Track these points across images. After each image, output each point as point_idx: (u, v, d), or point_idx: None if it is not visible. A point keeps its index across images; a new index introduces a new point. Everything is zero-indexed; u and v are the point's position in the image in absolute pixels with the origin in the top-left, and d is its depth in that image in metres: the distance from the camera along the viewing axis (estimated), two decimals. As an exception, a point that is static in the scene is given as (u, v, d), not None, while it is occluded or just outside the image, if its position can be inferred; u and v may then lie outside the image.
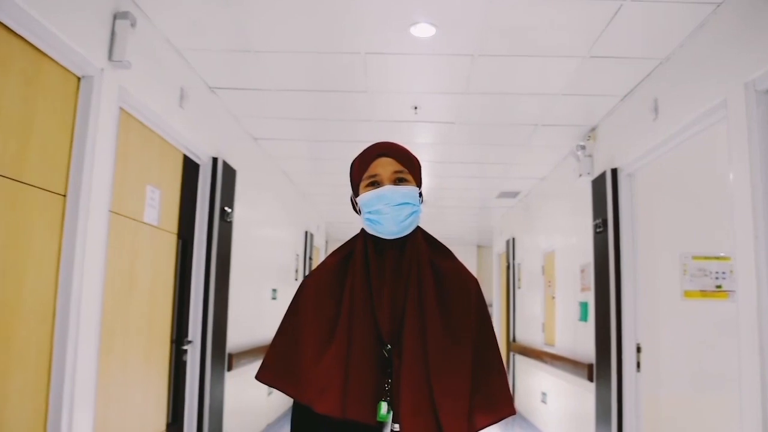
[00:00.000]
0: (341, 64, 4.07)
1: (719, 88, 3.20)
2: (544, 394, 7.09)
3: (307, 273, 9.17)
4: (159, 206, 3.97)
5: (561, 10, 3.30)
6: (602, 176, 4.87)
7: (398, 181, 1.65)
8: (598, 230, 4.94)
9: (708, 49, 3.39)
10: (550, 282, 7.06)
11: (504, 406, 1.61)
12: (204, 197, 4.66)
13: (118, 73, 3.17)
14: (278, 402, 7.61)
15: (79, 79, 2.98)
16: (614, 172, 4.72)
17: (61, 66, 2.84)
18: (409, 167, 1.67)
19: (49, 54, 2.73)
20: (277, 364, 1.62)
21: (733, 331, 3.09)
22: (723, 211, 3.30)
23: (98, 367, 3.08)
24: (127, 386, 3.60)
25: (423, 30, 3.52)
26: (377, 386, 1.54)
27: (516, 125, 5.29)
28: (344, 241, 1.74)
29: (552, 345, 6.78)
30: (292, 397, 1.60)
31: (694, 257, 4.52)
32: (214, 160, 4.72)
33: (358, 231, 1.70)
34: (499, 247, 10.73)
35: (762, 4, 2.86)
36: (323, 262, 1.72)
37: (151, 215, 3.85)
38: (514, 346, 8.89)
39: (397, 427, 1.51)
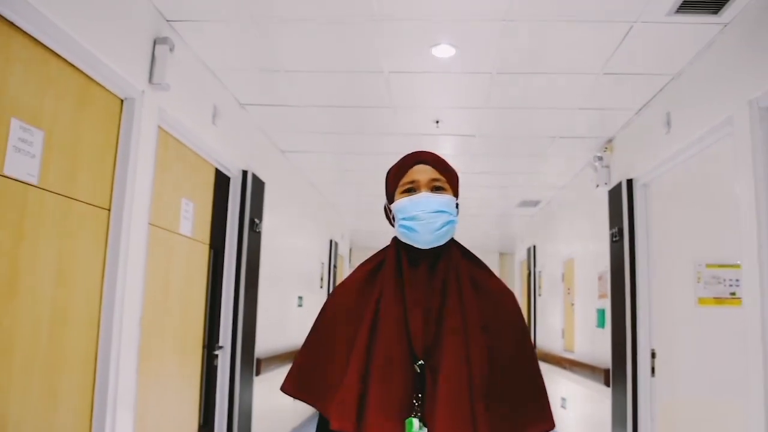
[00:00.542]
0: (366, 82, 4.28)
1: (725, 104, 3.34)
2: (563, 399, 7.20)
3: (331, 281, 9.38)
4: (193, 218, 4.20)
5: (574, 31, 3.47)
6: (618, 186, 5.01)
7: (435, 189, 1.61)
8: (614, 239, 5.07)
9: (715, 67, 3.53)
10: (569, 289, 7.19)
11: (543, 421, 1.57)
12: (234, 209, 4.88)
13: (157, 94, 3.39)
14: (303, 407, 7.80)
15: (122, 101, 3.21)
16: (630, 182, 4.86)
17: (107, 89, 3.07)
18: (447, 176, 1.64)
19: (96, 79, 2.96)
20: (302, 377, 1.60)
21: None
22: (735, 220, 3.43)
23: (138, 371, 3.30)
24: (162, 389, 3.81)
25: (444, 51, 3.72)
26: (404, 402, 1.48)
27: (535, 137, 5.46)
28: (370, 250, 1.71)
29: (571, 351, 6.90)
30: (315, 407, 1.57)
31: (708, 265, 4.65)
32: (244, 173, 4.94)
33: (383, 239, 1.68)
34: (521, 255, 10.86)
35: (765, 26, 3.00)
36: (351, 274, 1.69)
37: (185, 227, 4.07)
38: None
39: None
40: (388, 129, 5.28)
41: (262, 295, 5.39)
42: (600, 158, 5.45)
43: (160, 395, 3.78)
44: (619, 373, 4.88)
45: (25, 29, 2.45)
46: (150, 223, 3.42)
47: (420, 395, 1.49)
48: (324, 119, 5.17)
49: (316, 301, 8.36)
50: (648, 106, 4.53)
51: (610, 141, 5.42)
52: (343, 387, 1.50)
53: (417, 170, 1.62)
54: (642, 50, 3.65)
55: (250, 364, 5.04)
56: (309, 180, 7.52)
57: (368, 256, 1.71)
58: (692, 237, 4.29)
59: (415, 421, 1.46)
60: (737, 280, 4.00)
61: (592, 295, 5.98)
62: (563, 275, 7.49)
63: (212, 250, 4.62)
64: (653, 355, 4.60)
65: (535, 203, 8.47)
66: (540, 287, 8.96)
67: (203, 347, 4.50)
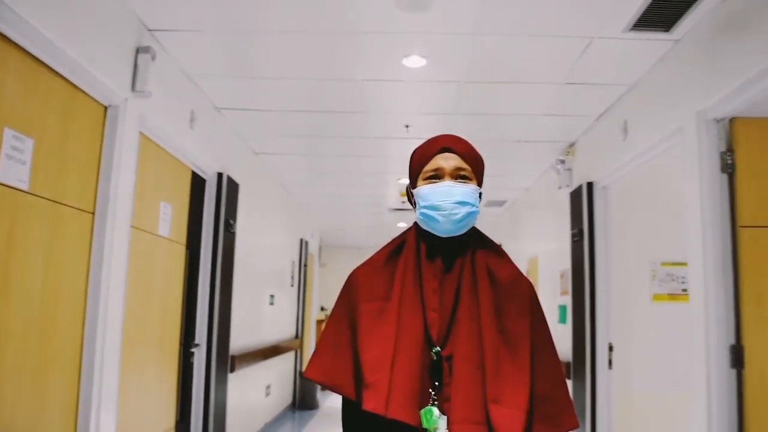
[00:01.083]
0: (339, 89, 4.45)
1: (676, 115, 3.59)
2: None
3: (302, 279, 9.53)
4: (171, 220, 4.32)
5: (538, 46, 3.68)
6: (579, 189, 5.26)
7: (460, 178, 1.59)
8: (575, 239, 5.32)
9: (668, 80, 3.78)
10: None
11: (567, 417, 1.56)
12: (210, 210, 5.00)
13: (139, 101, 3.52)
14: (276, 402, 7.96)
15: (106, 108, 3.33)
16: (590, 185, 5.11)
17: (91, 97, 3.19)
18: (472, 165, 1.62)
19: (82, 87, 3.08)
20: (325, 363, 1.60)
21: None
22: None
23: (121, 369, 3.43)
24: (142, 386, 3.94)
25: (414, 61, 3.91)
26: (422, 389, 1.48)
27: (501, 141, 5.68)
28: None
29: (535, 346, 7.15)
30: (340, 394, 1.57)
31: (663, 263, 4.94)
32: (219, 175, 5.07)
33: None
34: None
35: (712, 43, 3.25)
36: (370, 258, 1.67)
37: (164, 228, 4.20)
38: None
39: None
40: (359, 133, 5.46)
41: (236, 294, 5.52)
42: (562, 161, 5.70)
43: (140, 392, 3.90)
44: (579, 366, 5.13)
45: (16, 41, 2.56)
46: (132, 226, 3.55)
47: (437, 383, 1.49)
48: (297, 123, 5.33)
49: (287, 299, 8.52)
50: (607, 114, 4.78)
51: (572, 145, 5.67)
52: (373, 369, 1.48)
53: (443, 157, 1.60)
54: (600, 63, 3.88)
55: (225, 361, 5.18)
56: (280, 181, 7.66)
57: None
58: (648, 237, 4.55)
59: (435, 410, 1.45)
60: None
61: (555, 292, 6.24)
62: (528, 273, 7.74)
63: (188, 251, 4.75)
64: (611, 349, 4.86)
65: (501, 203, 8.72)
66: (506, 284, 9.19)
67: (180, 345, 4.62)
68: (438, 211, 1.55)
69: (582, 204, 5.16)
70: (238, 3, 3.29)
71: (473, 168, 1.62)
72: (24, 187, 2.65)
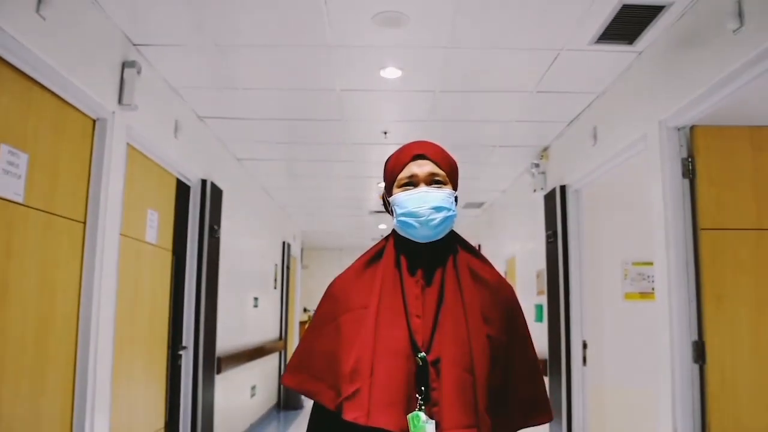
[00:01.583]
0: (318, 99, 4.60)
1: (641, 122, 3.78)
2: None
3: (285, 281, 9.65)
4: (157, 227, 4.45)
5: (508, 57, 3.85)
6: (553, 192, 5.44)
7: (434, 183, 1.60)
8: (549, 240, 5.51)
9: (633, 89, 3.97)
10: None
11: (541, 413, 1.63)
12: (194, 216, 5.12)
13: (126, 114, 3.64)
14: (261, 403, 8.09)
15: (94, 121, 3.45)
16: (563, 188, 5.30)
17: (80, 111, 3.31)
18: (446, 170, 1.62)
19: (71, 102, 3.20)
20: (303, 370, 1.60)
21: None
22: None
23: (112, 372, 3.55)
24: (132, 389, 4.06)
25: (391, 72, 4.07)
26: (407, 395, 1.47)
27: (477, 146, 5.86)
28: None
29: (514, 344, 7.34)
30: (316, 400, 1.58)
31: (634, 263, 5.14)
32: (203, 181, 5.19)
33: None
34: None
35: (671, 55, 3.44)
36: (349, 267, 1.68)
37: (151, 235, 4.32)
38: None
39: None
40: (338, 139, 5.61)
41: (221, 297, 5.65)
42: (537, 165, 5.88)
43: (131, 394, 4.02)
44: (554, 362, 5.31)
45: (10, 62, 2.68)
46: (121, 234, 3.67)
47: (423, 388, 1.47)
48: (278, 130, 5.47)
49: (270, 301, 8.64)
50: (577, 120, 4.97)
51: (545, 149, 5.86)
52: (352, 378, 1.48)
53: (416, 164, 1.61)
54: (569, 73, 4.06)
55: (211, 363, 5.30)
56: (262, 185, 7.78)
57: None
58: (620, 238, 4.74)
59: (422, 415, 1.44)
60: (658, 277, 4.43)
61: (532, 291, 6.43)
62: (506, 273, 7.93)
63: (174, 256, 4.87)
64: (585, 346, 5.05)
65: (479, 205, 8.91)
66: (485, 284, 9.38)
67: (167, 348, 4.74)
68: (415, 217, 1.56)
69: (555, 206, 5.34)
70: (219, 18, 3.43)
71: (447, 172, 1.62)
72: (19, 199, 2.77)
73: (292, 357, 1.65)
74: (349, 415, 1.45)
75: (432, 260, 1.60)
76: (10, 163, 2.70)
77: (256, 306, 7.60)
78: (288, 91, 4.50)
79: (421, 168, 1.60)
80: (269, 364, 8.70)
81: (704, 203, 3.42)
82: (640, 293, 5.13)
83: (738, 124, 3.51)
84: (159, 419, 4.59)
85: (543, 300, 5.93)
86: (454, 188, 1.65)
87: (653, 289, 4.52)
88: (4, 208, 2.67)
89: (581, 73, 4.08)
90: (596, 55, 3.78)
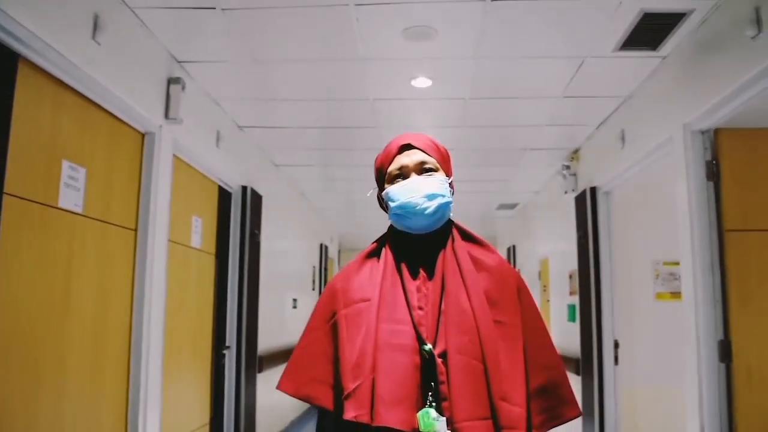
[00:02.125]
0: (353, 108, 4.79)
1: (666, 126, 3.87)
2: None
3: (322, 282, 9.88)
4: (201, 232, 4.68)
5: (534, 65, 3.98)
6: (583, 193, 5.54)
7: (425, 171, 1.56)
8: (581, 241, 5.60)
9: (658, 92, 4.06)
10: (545, 286, 7.73)
11: (566, 408, 1.53)
12: (236, 221, 5.35)
13: (172, 127, 3.87)
14: (300, 401, 8.30)
15: (143, 135, 3.68)
16: (593, 190, 5.39)
17: (131, 126, 3.54)
18: (436, 156, 1.59)
19: (123, 118, 3.43)
20: (300, 373, 1.55)
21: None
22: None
23: (163, 371, 3.77)
24: (180, 387, 4.29)
25: (422, 82, 4.24)
26: (415, 390, 1.40)
27: (507, 150, 5.98)
28: (358, 250, 1.67)
29: (548, 344, 7.43)
30: (317, 405, 1.53)
31: (665, 263, 5.20)
32: (244, 188, 5.41)
33: (370, 238, 1.66)
34: (502, 254, 11.41)
35: (695, 60, 3.53)
36: (349, 264, 1.64)
37: (195, 240, 4.56)
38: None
39: None
40: (372, 145, 5.78)
41: (262, 298, 5.87)
42: (567, 167, 5.98)
43: (178, 392, 4.25)
44: (587, 362, 5.41)
45: (69, 84, 2.92)
46: (169, 240, 3.90)
47: (432, 383, 1.41)
48: (314, 138, 5.68)
49: (308, 302, 8.86)
50: (606, 123, 5.06)
51: (576, 151, 5.95)
52: (354, 374, 1.42)
53: (404, 155, 1.58)
54: (595, 79, 4.17)
55: (253, 362, 5.52)
56: (300, 190, 8.01)
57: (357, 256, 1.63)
58: (650, 238, 4.81)
59: (432, 411, 1.38)
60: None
61: (564, 291, 6.52)
62: (540, 273, 8.02)
63: (217, 260, 5.10)
64: (616, 346, 5.13)
65: (513, 206, 9.00)
66: (520, 284, 9.47)
67: (212, 348, 4.98)
68: (409, 208, 1.52)
69: (586, 208, 5.43)
70: (257, 35, 3.63)
71: (437, 159, 1.59)
72: (79, 210, 3.00)
73: (289, 362, 1.57)
74: (350, 413, 1.39)
75: (431, 251, 1.55)
76: (71, 177, 2.94)
77: (295, 307, 7.83)
78: (323, 101, 4.70)
79: (410, 158, 1.57)
80: (308, 364, 8.90)
81: (729, 205, 3.50)
82: (671, 293, 5.19)
83: (763, 126, 3.58)
84: (204, 416, 4.82)
85: (575, 300, 6.02)
86: (448, 174, 1.61)
87: (684, 288, 4.58)
88: (67, 219, 2.90)
89: (607, 78, 4.18)
90: (621, 61, 3.89)
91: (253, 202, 5.51)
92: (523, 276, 9.07)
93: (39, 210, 2.71)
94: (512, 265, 11.59)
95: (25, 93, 2.62)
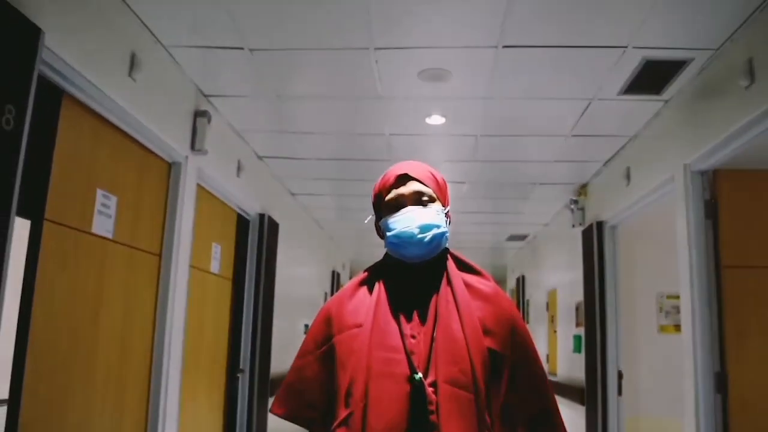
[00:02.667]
0: (368, 141, 5.01)
1: (669, 165, 4.04)
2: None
3: (333, 309, 10.01)
4: (220, 258, 4.87)
5: (543, 106, 4.18)
6: (590, 227, 5.70)
7: (422, 202, 1.58)
8: (587, 274, 5.75)
9: (661, 133, 4.24)
10: (552, 317, 7.86)
11: (552, 428, 1.57)
12: (253, 248, 5.54)
13: (197, 158, 4.08)
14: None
15: (170, 165, 3.89)
16: (600, 224, 5.55)
17: (159, 157, 3.75)
18: (433, 186, 1.60)
19: (152, 149, 3.64)
20: (293, 398, 1.58)
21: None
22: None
23: (181, 389, 3.94)
24: (196, 407, 4.44)
25: (435, 119, 4.45)
26: (404, 418, 1.40)
27: (517, 184, 6.17)
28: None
29: (554, 374, 7.54)
30: (308, 429, 1.56)
31: (668, 296, 5.36)
32: (261, 216, 5.61)
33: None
34: (512, 284, 11.53)
35: (695, 104, 3.71)
36: (343, 289, 1.66)
37: (215, 266, 4.75)
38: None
39: None
40: (387, 177, 6.00)
41: (274, 323, 6.03)
42: (575, 201, 6.15)
43: (194, 412, 4.41)
44: (591, 392, 5.52)
45: (106, 117, 3.13)
46: (190, 265, 4.09)
47: (423, 411, 1.41)
48: (330, 168, 5.90)
49: (320, 328, 9.01)
50: (612, 160, 5.24)
51: (584, 186, 6.12)
52: (346, 402, 1.45)
53: (400, 185, 1.60)
54: (601, 119, 4.36)
55: (265, 385, 5.66)
56: (314, 217, 8.22)
57: None
58: (654, 272, 4.98)
59: None
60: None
61: (571, 322, 6.64)
62: (548, 304, 8.15)
63: (234, 285, 5.29)
64: (620, 376, 5.25)
65: (523, 237, 9.16)
66: (527, 314, 9.61)
67: (226, 370, 5.14)
68: (405, 238, 1.54)
69: (593, 241, 5.59)
70: (281, 74, 3.85)
71: (434, 189, 1.61)
72: (109, 236, 3.20)
73: (282, 386, 1.61)
74: None
75: (426, 279, 1.57)
76: (104, 205, 3.14)
77: (305, 333, 7.96)
78: (341, 135, 4.92)
79: (407, 188, 1.59)
80: (318, 389, 9.02)
81: (726, 242, 3.66)
82: (675, 326, 5.33)
83: (760, 168, 3.76)
84: (218, 436, 4.97)
85: (581, 331, 6.14)
86: (445, 204, 1.63)
87: (686, 322, 4.71)
88: (98, 244, 3.10)
89: (613, 119, 4.37)
90: (626, 104, 4.08)
91: (269, 229, 5.71)
92: (532, 306, 9.22)
93: (74, 235, 2.91)
94: (511, 296, 11.75)
95: (67, 126, 2.83)
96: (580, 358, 6.06)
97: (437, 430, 1.39)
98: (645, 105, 4.11)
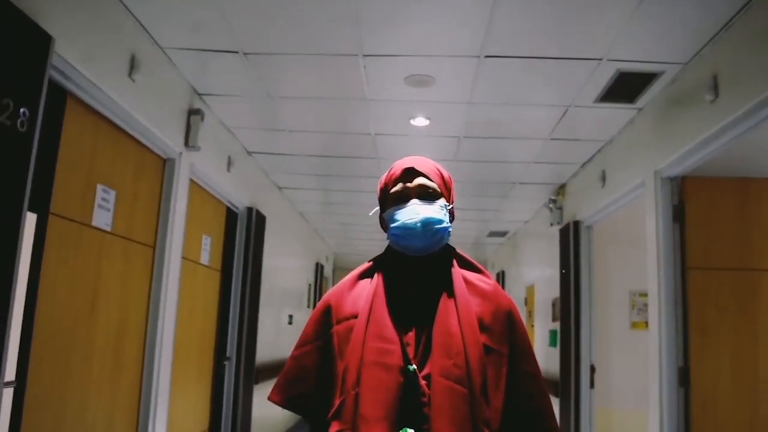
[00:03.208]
0: (354, 140, 5.19)
1: (641, 170, 4.25)
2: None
3: (317, 299, 10.21)
4: (210, 250, 5.04)
5: (523, 111, 4.39)
6: (567, 226, 5.91)
7: (426, 196, 1.58)
8: (563, 271, 5.97)
9: (634, 140, 4.46)
10: (530, 312, 8.09)
11: (547, 428, 1.57)
12: (241, 240, 5.70)
13: (190, 154, 4.24)
14: (292, 413, 8.61)
15: (164, 160, 4.04)
16: (576, 224, 5.77)
17: (154, 153, 3.90)
18: (438, 182, 1.61)
19: (148, 145, 3.79)
20: (291, 386, 1.59)
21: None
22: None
23: (172, 375, 4.10)
24: (185, 393, 4.61)
25: (420, 121, 4.64)
26: (396, 410, 1.41)
27: (498, 183, 6.38)
28: (352, 270, 1.69)
29: (531, 367, 7.77)
30: (305, 417, 1.58)
31: (640, 294, 5.59)
32: (249, 209, 5.77)
33: (364, 259, 1.70)
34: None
35: (665, 114, 3.92)
36: (343, 280, 1.67)
37: (205, 258, 4.91)
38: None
39: None
40: (371, 173, 6.18)
41: (260, 313, 6.20)
42: (554, 201, 6.37)
43: (183, 398, 4.57)
44: (565, 385, 5.75)
45: (106, 115, 3.28)
46: (182, 257, 4.25)
47: (416, 403, 1.42)
48: (317, 165, 6.07)
49: (303, 318, 9.20)
50: (589, 163, 5.46)
51: (562, 187, 6.34)
52: (340, 390, 1.47)
53: (406, 178, 1.60)
54: (578, 125, 4.57)
55: (250, 374, 5.84)
56: (300, 210, 8.39)
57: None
58: (628, 270, 5.20)
59: (410, 431, 1.40)
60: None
61: (548, 318, 6.88)
62: (526, 299, 8.39)
63: (222, 276, 5.45)
64: (593, 370, 5.48)
65: (504, 233, 9.39)
66: (507, 309, 9.82)
67: (213, 358, 5.31)
68: (407, 230, 1.55)
69: (569, 240, 5.81)
70: (273, 76, 4.02)
71: (439, 184, 1.62)
72: (108, 228, 3.36)
73: (281, 374, 1.62)
74: (334, 427, 1.43)
75: (426, 273, 1.59)
76: (104, 199, 3.30)
77: (290, 323, 8.16)
78: (328, 133, 5.09)
79: (412, 182, 1.59)
80: (300, 379, 9.22)
81: (692, 245, 3.88)
82: (646, 322, 5.55)
83: (726, 176, 3.98)
84: (204, 422, 5.14)
85: (557, 326, 6.37)
86: (450, 200, 1.64)
87: (656, 319, 4.93)
88: (98, 237, 3.27)
89: (589, 125, 4.58)
90: (601, 111, 4.28)
91: (257, 222, 5.87)
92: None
93: (76, 228, 3.08)
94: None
95: (71, 125, 2.99)
96: (556, 352, 6.29)
97: (429, 423, 1.40)
98: (619, 112, 4.32)
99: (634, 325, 5.71)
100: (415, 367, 1.45)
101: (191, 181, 4.40)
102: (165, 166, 4.06)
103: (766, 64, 2.85)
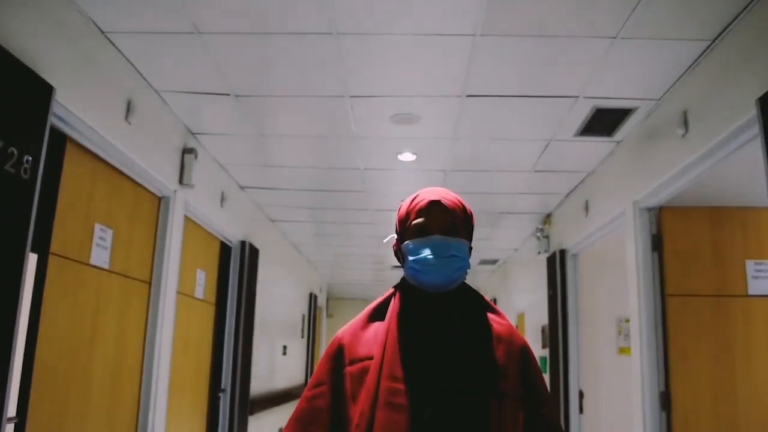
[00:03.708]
0: (343, 175, 5.35)
1: (620, 202, 4.41)
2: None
3: (311, 330, 10.29)
4: (204, 284, 5.15)
5: (506, 145, 4.55)
6: (554, 255, 6.05)
7: (449, 231, 1.52)
8: (550, 298, 6.10)
9: (614, 171, 4.62)
10: (522, 339, 8.18)
11: None
12: (234, 273, 5.82)
13: (185, 191, 4.37)
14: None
15: (160, 198, 4.18)
16: (562, 252, 5.91)
17: (150, 191, 4.04)
18: (461, 219, 1.56)
19: (144, 185, 3.93)
20: (306, 425, 1.55)
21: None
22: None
23: (168, 409, 4.19)
24: (181, 425, 4.69)
25: (407, 156, 4.80)
26: None
27: (486, 213, 6.52)
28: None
29: (523, 394, 7.85)
30: None
31: (626, 320, 5.67)
32: (242, 243, 5.89)
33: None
34: (484, 306, 11.86)
35: (642, 147, 4.08)
36: (356, 317, 1.63)
37: (199, 292, 5.02)
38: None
39: None
40: (361, 206, 6.34)
41: (255, 345, 6.29)
42: (541, 230, 6.52)
43: (179, 429, 4.65)
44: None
45: (102, 157, 3.42)
46: (178, 292, 4.36)
47: None
48: (308, 198, 6.23)
49: (297, 348, 9.27)
50: (573, 193, 5.61)
51: (549, 216, 6.49)
52: None
53: (430, 211, 1.53)
54: (560, 157, 4.73)
55: (245, 405, 5.92)
56: (292, 242, 8.51)
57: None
58: (614, 297, 5.29)
59: None
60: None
61: (537, 344, 6.98)
62: (517, 326, 8.49)
63: (217, 309, 5.56)
64: (582, 396, 5.58)
65: (494, 261, 9.52)
66: (499, 336, 9.92)
67: (208, 390, 5.39)
68: (427, 264, 1.50)
69: (556, 268, 5.94)
70: (263, 116, 4.17)
71: (462, 222, 1.56)
72: (106, 266, 3.48)
73: (293, 414, 1.59)
74: None
75: (441, 311, 1.53)
76: (101, 238, 3.43)
77: (284, 354, 8.23)
78: (319, 169, 5.24)
79: (436, 215, 1.53)
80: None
81: (670, 273, 4.02)
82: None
83: (700, 205, 4.14)
84: (200, 454, 5.21)
85: (546, 353, 6.48)
86: (469, 239, 1.59)
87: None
88: (96, 275, 3.38)
89: (571, 157, 4.74)
90: (581, 144, 4.45)
91: (250, 255, 5.99)
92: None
93: (75, 267, 3.20)
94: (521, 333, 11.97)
95: (70, 168, 3.12)
96: (546, 379, 6.37)
97: None
98: (599, 145, 4.48)
99: (621, 350, 5.80)
100: (430, 409, 1.41)
101: (186, 217, 4.53)
102: (160, 203, 4.19)
103: (730, 100, 3.01)
